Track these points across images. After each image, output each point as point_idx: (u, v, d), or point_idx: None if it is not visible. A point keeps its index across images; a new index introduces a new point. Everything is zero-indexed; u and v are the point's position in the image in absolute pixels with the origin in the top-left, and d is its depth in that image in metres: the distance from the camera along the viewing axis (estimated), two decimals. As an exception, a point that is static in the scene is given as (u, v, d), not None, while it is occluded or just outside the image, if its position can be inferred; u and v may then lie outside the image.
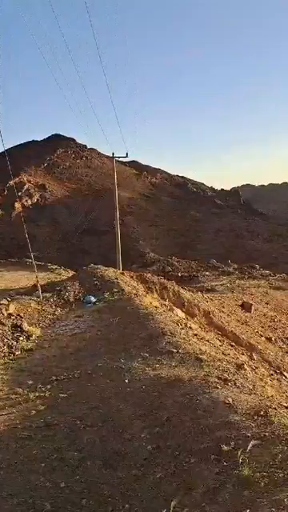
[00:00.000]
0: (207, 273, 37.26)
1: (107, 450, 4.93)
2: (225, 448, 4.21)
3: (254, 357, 16.47)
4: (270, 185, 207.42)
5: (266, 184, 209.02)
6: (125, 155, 28.08)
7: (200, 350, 8.39)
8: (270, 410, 5.05)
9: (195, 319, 17.45)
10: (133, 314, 10.76)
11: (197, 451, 4.37)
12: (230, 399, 5.31)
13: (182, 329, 10.64)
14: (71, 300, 13.68)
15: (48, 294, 13.85)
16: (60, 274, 21.95)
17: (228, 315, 21.24)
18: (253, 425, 4.60)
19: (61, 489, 4.31)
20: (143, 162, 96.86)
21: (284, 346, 20.59)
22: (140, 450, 4.76)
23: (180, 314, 15.66)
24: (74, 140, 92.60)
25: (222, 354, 11.65)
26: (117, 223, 27.46)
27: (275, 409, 5.20)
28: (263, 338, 20.34)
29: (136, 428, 5.23)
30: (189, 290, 21.58)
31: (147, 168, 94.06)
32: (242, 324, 21.18)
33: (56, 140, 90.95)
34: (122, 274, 17.82)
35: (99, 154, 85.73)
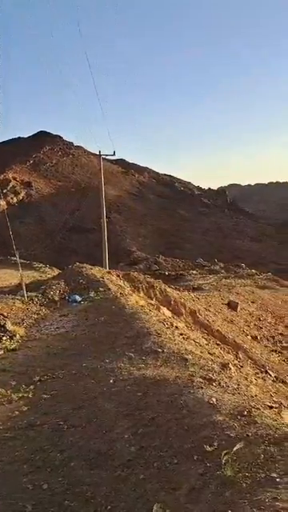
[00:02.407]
0: (194, 272, 37.37)
1: (91, 450, 4.90)
2: (208, 448, 4.22)
3: (240, 355, 16.57)
4: (257, 184, 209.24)
5: (252, 184, 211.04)
6: (112, 153, 28.02)
7: (185, 349, 8.41)
8: (253, 409, 5.07)
9: (182, 318, 17.48)
10: (118, 314, 10.74)
11: (180, 451, 4.37)
12: (214, 399, 5.33)
13: (168, 328, 10.66)
14: (56, 299, 13.59)
15: (33, 293, 13.74)
16: (45, 273, 21.83)
17: (214, 314, 21.32)
18: (236, 425, 4.62)
19: (43, 490, 4.27)
20: (131, 160, 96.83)
21: (269, 345, 20.77)
22: (124, 450, 4.74)
23: (166, 312, 15.68)
24: (60, 137, 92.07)
25: (208, 353, 11.70)
26: (103, 221, 27.38)
27: (259, 409, 5.23)
28: (249, 337, 20.49)
29: (120, 428, 5.20)
30: (176, 289, 21.63)
31: (134, 166, 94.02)
32: (228, 323, 21.28)
33: (42, 137, 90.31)
34: (109, 272, 17.77)
35: (86, 151, 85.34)
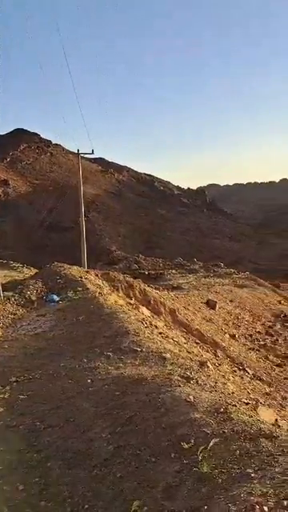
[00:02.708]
0: (174, 271, 37.52)
1: (68, 450, 4.87)
2: (185, 446, 4.25)
3: (219, 354, 16.73)
4: (235, 185, 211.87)
5: (231, 184, 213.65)
6: (90, 152, 27.82)
7: (164, 348, 8.43)
8: (230, 406, 5.13)
9: (161, 317, 17.53)
10: (97, 313, 10.69)
11: (158, 449, 4.39)
12: (192, 397, 5.36)
13: (147, 327, 10.67)
14: (34, 299, 13.43)
15: (9, 293, 13.55)
16: (22, 273, 21.53)
17: (193, 313, 21.47)
18: (213, 422, 4.66)
19: (19, 491, 4.22)
20: (110, 159, 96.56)
21: (247, 343, 21.04)
22: (102, 449, 4.73)
23: (146, 312, 15.69)
24: (38, 135, 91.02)
25: (187, 351, 11.78)
26: (82, 220, 27.20)
27: (235, 406, 5.30)
28: (227, 335, 20.70)
29: (98, 427, 5.19)
30: (155, 288, 21.67)
31: (114, 165, 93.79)
32: (207, 321, 21.46)
33: (19, 135, 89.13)
34: (87, 272, 17.67)
35: (64, 150, 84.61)
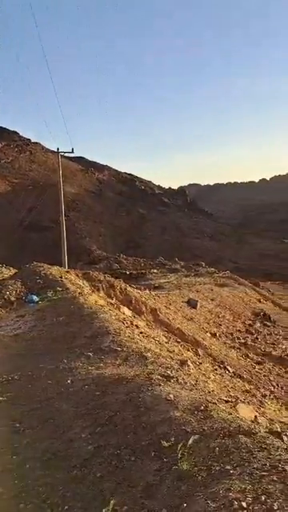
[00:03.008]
0: (155, 270, 37.67)
1: (47, 451, 4.83)
2: (165, 444, 4.26)
3: (200, 352, 16.84)
4: (216, 184, 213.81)
5: (211, 184, 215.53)
6: (70, 151, 27.64)
7: (145, 347, 8.44)
8: (209, 404, 5.17)
9: (142, 317, 17.56)
10: (77, 313, 10.62)
11: (137, 448, 4.39)
12: (172, 396, 5.38)
13: (128, 327, 10.66)
14: (13, 299, 13.26)
15: (-12, 294, 13.33)
16: (1, 273, 21.19)
17: (175, 312, 21.58)
18: (193, 420, 4.68)
19: (-3, 494, 4.15)
20: (90, 158, 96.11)
21: (228, 341, 21.27)
22: (81, 449, 4.70)
23: (127, 312, 15.68)
24: (17, 133, 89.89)
25: (168, 350, 11.82)
26: (62, 220, 27.00)
27: (215, 403, 5.33)
28: (208, 334, 20.88)
29: (78, 428, 5.16)
30: (137, 288, 21.69)
31: (94, 164, 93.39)
32: (188, 320, 21.60)
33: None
34: (68, 272, 17.53)
35: (44, 148, 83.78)
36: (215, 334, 21.14)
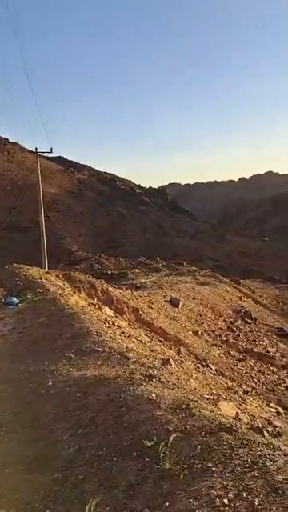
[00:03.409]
0: (136, 270, 37.59)
1: (29, 455, 4.77)
2: (147, 443, 4.26)
3: (182, 351, 16.89)
4: (196, 183, 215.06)
5: (191, 183, 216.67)
6: (49, 151, 27.39)
7: (127, 347, 8.42)
8: (191, 402, 5.18)
9: (124, 317, 17.51)
10: (58, 315, 10.53)
11: (119, 449, 4.37)
12: (154, 395, 5.38)
13: (109, 327, 10.62)
14: (-8, 302, 13.04)
15: None
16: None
17: (157, 311, 21.57)
18: (175, 418, 4.69)
19: (-23, 500, 4.07)
20: (69, 158, 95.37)
21: (210, 339, 21.38)
22: (63, 452, 4.66)
23: (108, 312, 15.61)
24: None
25: (150, 350, 11.81)
26: (42, 220, 26.73)
27: (197, 401, 5.35)
28: (190, 332, 20.95)
29: (59, 430, 5.12)
30: (118, 288, 21.60)
31: (74, 164, 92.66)
32: (171, 319, 21.63)
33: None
34: (48, 273, 17.36)
35: (22, 148, 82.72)
36: (197, 333, 21.23)
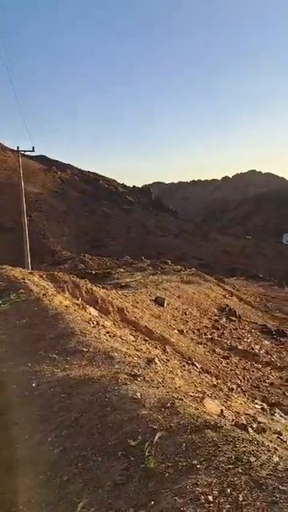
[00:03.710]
0: (121, 269, 37.54)
1: (12, 458, 4.71)
2: (132, 443, 4.24)
3: (167, 350, 16.93)
4: (180, 182, 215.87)
5: (175, 182, 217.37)
6: (31, 149, 27.15)
7: (111, 347, 8.38)
8: (176, 401, 5.19)
9: (109, 316, 17.46)
10: (41, 315, 10.43)
11: (104, 449, 4.35)
12: (139, 394, 5.37)
13: (94, 327, 10.56)
14: (-26, 303, 12.83)
15: None
16: None
17: (142, 310, 21.58)
18: (160, 417, 4.69)
19: None
20: (52, 156, 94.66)
21: (195, 337, 21.50)
22: (47, 453, 4.62)
23: (93, 312, 15.54)
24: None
25: (135, 349, 11.78)
26: (24, 220, 26.47)
27: (182, 399, 5.36)
28: (176, 331, 21.02)
29: (43, 432, 5.07)
30: (103, 288, 21.55)
31: (56, 163, 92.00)
32: (156, 318, 21.67)
33: None
34: (31, 273, 17.20)
35: (3, 147, 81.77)
36: (182, 331, 21.32)
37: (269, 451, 4.02)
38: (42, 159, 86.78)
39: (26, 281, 14.68)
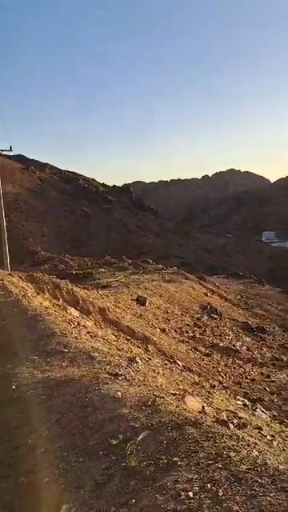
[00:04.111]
0: (102, 269, 37.36)
1: (-8, 461, 4.63)
2: (113, 442, 4.24)
3: (150, 348, 16.95)
4: (160, 181, 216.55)
5: (156, 181, 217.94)
6: (8, 149, 26.78)
7: (92, 347, 8.35)
8: (157, 399, 5.21)
9: (90, 317, 17.38)
10: (20, 317, 10.32)
11: (85, 449, 4.33)
12: (120, 393, 5.36)
13: (75, 327, 10.50)
14: None
15: None
16: None
17: (124, 310, 21.54)
18: (141, 415, 4.69)
19: None
20: (30, 156, 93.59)
21: (177, 336, 21.59)
22: (28, 455, 4.58)
23: (74, 312, 15.45)
24: None
25: (116, 349, 11.77)
26: (3, 221, 26.09)
27: (163, 397, 5.38)
28: (158, 330, 21.06)
29: (23, 434, 5.02)
30: (84, 288, 21.43)
31: (35, 163, 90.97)
32: (138, 318, 21.66)
33: None
34: (10, 274, 16.98)
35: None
36: (164, 330, 21.37)
37: (248, 446, 4.07)
38: (19, 158, 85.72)
39: (5, 282, 14.50)
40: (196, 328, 23.82)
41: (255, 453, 3.85)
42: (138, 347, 16.30)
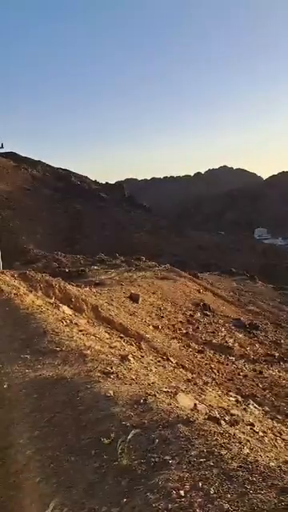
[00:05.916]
0: (95, 267, 37.26)
1: (-17, 462, 4.60)
2: (105, 441, 4.23)
3: (143, 346, 16.94)
4: (153, 179, 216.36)
5: (148, 178, 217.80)
6: (0, 146, 26.59)
7: (85, 345, 8.33)
8: (149, 397, 5.20)
9: (83, 314, 17.34)
10: (12, 315, 10.27)
11: (78, 448, 4.32)
12: (111, 391, 5.35)
13: (67, 326, 10.47)
14: None
15: None
16: None
17: (117, 308, 21.52)
18: (132, 414, 4.69)
19: None
20: (22, 153, 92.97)
21: (170, 333, 21.61)
22: (19, 455, 4.56)
23: (67, 310, 15.39)
24: None
25: (109, 347, 11.75)
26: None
27: (155, 395, 5.38)
28: (151, 327, 21.07)
29: (15, 434, 4.99)
30: (77, 286, 21.38)
31: (27, 160, 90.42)
32: (131, 315, 21.66)
33: None
34: (2, 273, 16.91)
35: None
36: (158, 327, 21.39)
37: (240, 443, 4.08)
38: (11, 156, 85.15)
39: (-3, 281, 14.43)
40: (189, 325, 23.86)
41: (246, 450, 3.86)
42: (131, 345, 16.28)
